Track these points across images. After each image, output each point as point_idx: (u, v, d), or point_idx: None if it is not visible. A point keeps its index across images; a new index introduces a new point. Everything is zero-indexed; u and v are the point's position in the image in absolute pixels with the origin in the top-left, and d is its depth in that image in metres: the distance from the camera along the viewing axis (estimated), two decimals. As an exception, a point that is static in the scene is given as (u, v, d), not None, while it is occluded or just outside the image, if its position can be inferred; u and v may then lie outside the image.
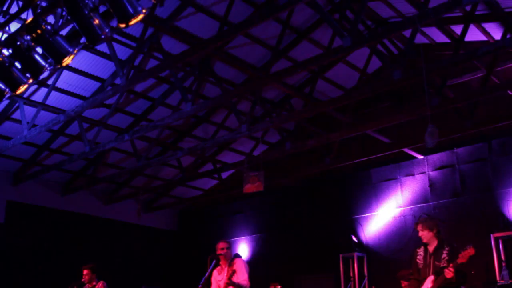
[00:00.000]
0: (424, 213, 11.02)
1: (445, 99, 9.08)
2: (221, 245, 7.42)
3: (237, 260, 7.33)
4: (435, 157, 11.26)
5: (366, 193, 12.22)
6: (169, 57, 9.28)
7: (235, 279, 7.09)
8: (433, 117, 7.17)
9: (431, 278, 6.42)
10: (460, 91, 10.09)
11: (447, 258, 6.29)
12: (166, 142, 12.71)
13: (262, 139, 13.03)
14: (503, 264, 9.38)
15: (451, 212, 10.79)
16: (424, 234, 6.56)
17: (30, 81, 6.74)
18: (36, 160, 12.49)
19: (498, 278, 9.22)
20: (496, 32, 9.32)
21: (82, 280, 9.18)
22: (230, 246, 7.52)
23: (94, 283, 9.03)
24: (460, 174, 10.92)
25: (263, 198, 13.38)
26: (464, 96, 9.26)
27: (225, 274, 7.19)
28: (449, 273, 6.15)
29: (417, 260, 6.64)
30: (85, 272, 9.09)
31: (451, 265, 6.18)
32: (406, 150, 11.00)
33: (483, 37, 9.55)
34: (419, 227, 6.61)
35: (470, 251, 6.20)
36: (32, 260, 12.56)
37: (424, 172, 11.41)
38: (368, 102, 11.80)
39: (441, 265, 6.32)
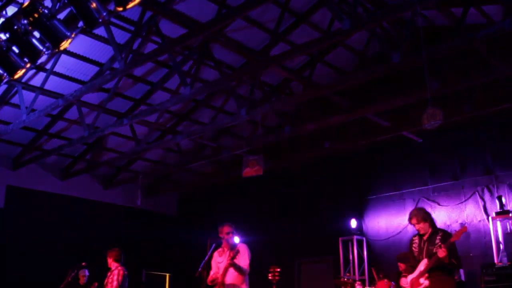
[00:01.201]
0: (424, 197, 11.07)
1: (445, 82, 9.05)
2: (226, 228, 7.44)
3: (241, 245, 7.38)
4: (434, 140, 11.25)
5: (365, 176, 12.24)
6: (168, 41, 9.24)
7: (236, 261, 7.14)
8: (433, 101, 7.16)
9: (424, 261, 6.49)
10: (459, 74, 10.06)
11: (440, 243, 6.36)
12: (166, 126, 12.70)
13: (261, 123, 13.01)
14: (501, 246, 9.43)
15: (450, 195, 10.83)
16: (421, 226, 6.64)
17: (28, 65, 6.70)
18: (35, 145, 12.49)
19: (496, 261, 9.27)
20: (496, 14, 9.27)
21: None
22: (233, 230, 7.54)
23: (112, 268, 9.10)
24: (459, 157, 10.93)
25: (263, 182, 13.40)
26: (464, 79, 9.23)
27: (227, 256, 7.23)
28: (441, 252, 6.20)
29: (413, 248, 6.75)
30: (109, 260, 9.14)
31: (443, 245, 6.24)
32: (405, 133, 10.99)
33: (483, 20, 9.49)
34: (414, 221, 6.69)
35: (463, 229, 6.31)
36: (32, 245, 12.60)
37: (423, 155, 11.42)
38: (368, 86, 11.75)
39: (434, 250, 6.38)
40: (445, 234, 6.47)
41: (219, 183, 14.57)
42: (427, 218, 6.66)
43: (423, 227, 6.62)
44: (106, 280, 9.10)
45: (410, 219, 6.76)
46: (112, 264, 9.09)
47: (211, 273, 7.42)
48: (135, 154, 12.42)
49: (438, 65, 9.09)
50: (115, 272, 9.03)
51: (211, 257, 7.44)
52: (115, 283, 8.93)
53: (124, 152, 12.95)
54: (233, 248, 7.30)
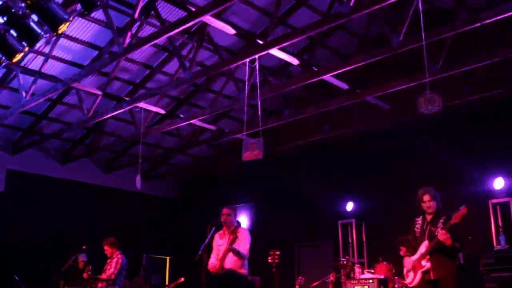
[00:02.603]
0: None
1: (446, 65, 9.00)
2: (225, 210, 7.48)
3: (241, 229, 7.40)
4: (433, 125, 11.21)
5: (365, 160, 12.24)
6: (166, 24, 9.18)
7: (236, 246, 7.16)
8: (433, 84, 7.13)
9: (425, 243, 6.48)
10: (460, 56, 10.01)
11: (442, 226, 6.34)
12: (165, 110, 12.67)
13: (261, 106, 12.97)
14: (500, 230, 9.47)
15: (449, 179, 10.82)
16: (431, 205, 6.54)
17: (26, 49, 6.68)
18: (35, 129, 12.48)
19: (495, 244, 9.31)
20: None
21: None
22: (235, 213, 7.55)
23: (113, 255, 9.19)
24: (459, 141, 10.92)
25: (262, 165, 13.39)
26: (465, 62, 9.18)
27: (227, 240, 7.26)
28: (442, 234, 6.18)
29: (415, 229, 6.69)
30: (105, 247, 9.25)
31: (444, 227, 6.23)
32: (404, 117, 10.96)
33: (484, 3, 9.42)
34: (427, 198, 6.56)
35: (463, 210, 6.24)
36: (33, 228, 12.64)
37: (421, 139, 11.39)
38: (368, 69, 11.71)
39: (436, 232, 6.37)
40: (448, 217, 6.41)
41: (218, 167, 14.59)
42: (436, 197, 6.61)
43: (432, 205, 6.56)
44: (105, 267, 9.17)
45: (422, 195, 6.64)
46: (111, 251, 9.15)
47: (212, 255, 7.46)
48: (134, 138, 12.42)
49: (439, 48, 9.04)
50: (115, 260, 9.10)
51: (211, 240, 7.47)
52: (112, 269, 9.01)
53: (123, 136, 12.95)
54: (233, 231, 7.32)
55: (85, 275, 8.97)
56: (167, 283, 14.20)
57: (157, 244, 14.95)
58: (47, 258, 11.69)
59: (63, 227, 12.96)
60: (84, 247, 9.29)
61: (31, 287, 10.69)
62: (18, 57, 6.74)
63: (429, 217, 6.59)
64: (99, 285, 8.95)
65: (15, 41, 6.61)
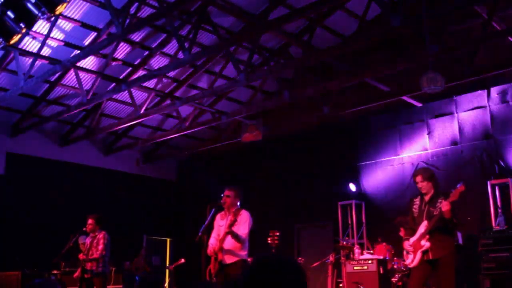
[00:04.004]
0: (423, 162, 11.09)
1: (445, 46, 8.97)
2: (226, 192, 7.48)
3: (243, 212, 7.39)
4: (434, 105, 11.22)
5: (365, 141, 12.25)
6: (165, 5, 9.12)
7: (235, 229, 7.17)
8: (433, 65, 7.11)
9: (424, 223, 6.51)
10: (460, 37, 9.97)
11: (440, 206, 6.36)
12: (164, 92, 12.65)
13: (260, 88, 12.96)
14: (499, 210, 9.50)
15: (449, 160, 10.85)
16: (424, 185, 6.58)
17: (24, 30, 6.63)
18: (33, 111, 12.46)
19: (494, 224, 9.35)
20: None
21: (84, 229, 9.30)
22: (236, 194, 7.53)
23: (96, 233, 9.15)
24: (459, 121, 10.92)
25: (262, 147, 13.42)
26: (464, 42, 9.15)
27: (227, 221, 7.28)
28: (444, 205, 6.20)
29: (413, 209, 6.72)
30: (89, 221, 9.17)
31: (446, 199, 6.24)
32: (405, 98, 10.95)
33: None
34: (419, 178, 6.61)
35: (460, 188, 6.26)
36: (32, 211, 12.68)
37: (422, 120, 11.41)
38: (367, 50, 11.66)
39: (435, 213, 6.40)
40: (447, 197, 6.44)
41: (218, 148, 14.59)
42: (432, 178, 6.61)
43: (426, 186, 6.58)
44: (88, 246, 9.09)
45: (415, 176, 6.66)
46: (94, 228, 9.11)
47: (212, 234, 7.48)
48: (134, 120, 12.41)
49: (439, 29, 8.99)
50: (100, 236, 9.08)
51: (211, 221, 7.49)
52: (101, 246, 8.98)
53: (123, 118, 12.93)
54: (235, 214, 7.33)
55: (81, 257, 8.99)
56: (167, 264, 14.27)
57: (158, 226, 15.01)
58: (48, 240, 11.73)
59: (63, 209, 12.99)
60: (84, 228, 9.30)
61: (32, 269, 10.76)
62: (16, 38, 6.70)
63: (427, 198, 6.61)
64: (89, 264, 8.92)
65: (13, 22, 6.56)
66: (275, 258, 2.18)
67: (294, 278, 2.12)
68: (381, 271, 9.02)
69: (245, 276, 2.15)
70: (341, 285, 9.59)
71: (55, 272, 10.55)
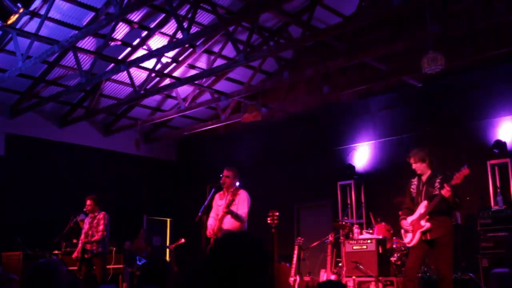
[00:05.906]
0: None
1: (446, 26, 8.91)
2: (225, 172, 7.52)
3: (241, 192, 7.42)
4: (434, 85, 11.18)
5: (365, 121, 12.22)
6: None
7: (234, 208, 7.20)
8: (433, 45, 7.07)
9: (424, 203, 6.53)
10: (460, 17, 9.90)
11: (439, 186, 6.39)
12: (163, 72, 12.60)
13: (259, 68, 12.90)
14: (498, 190, 9.53)
15: (448, 140, 10.83)
16: (418, 166, 6.62)
17: (21, 10, 6.59)
18: (32, 92, 12.42)
19: (492, 204, 9.39)
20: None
21: (85, 209, 9.34)
22: (234, 174, 7.56)
23: (96, 214, 9.18)
24: (459, 101, 10.88)
25: (261, 127, 13.41)
26: (465, 22, 9.08)
27: (226, 201, 7.30)
28: (446, 191, 6.23)
29: (411, 189, 6.75)
30: (88, 202, 9.22)
31: (447, 184, 6.26)
32: (404, 78, 10.90)
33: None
34: (412, 160, 6.66)
35: (464, 171, 6.27)
36: (33, 192, 12.71)
37: (422, 100, 11.36)
38: (367, 30, 11.59)
39: (434, 192, 6.42)
40: (445, 177, 6.44)
41: (217, 128, 14.59)
42: (426, 159, 6.62)
43: (419, 167, 6.62)
44: (88, 225, 9.14)
45: (408, 158, 6.74)
46: (93, 208, 9.15)
47: (211, 214, 7.51)
48: (133, 100, 12.38)
49: (439, 8, 8.91)
50: (100, 217, 9.12)
51: (210, 201, 7.52)
52: (101, 227, 9.03)
53: (122, 99, 12.89)
54: (233, 193, 7.35)
55: (82, 238, 9.03)
56: (168, 244, 14.35)
57: (158, 206, 15.06)
58: (48, 220, 11.78)
59: (63, 190, 13.02)
60: (84, 209, 9.34)
61: (33, 249, 10.82)
62: (13, 18, 6.67)
63: (424, 178, 6.63)
64: (88, 245, 8.97)
65: (10, 2, 6.51)
66: (234, 240, 2.16)
67: (253, 259, 2.10)
68: (380, 251, 9.05)
69: (206, 258, 2.16)
70: (340, 264, 9.64)
71: (56, 252, 10.61)
